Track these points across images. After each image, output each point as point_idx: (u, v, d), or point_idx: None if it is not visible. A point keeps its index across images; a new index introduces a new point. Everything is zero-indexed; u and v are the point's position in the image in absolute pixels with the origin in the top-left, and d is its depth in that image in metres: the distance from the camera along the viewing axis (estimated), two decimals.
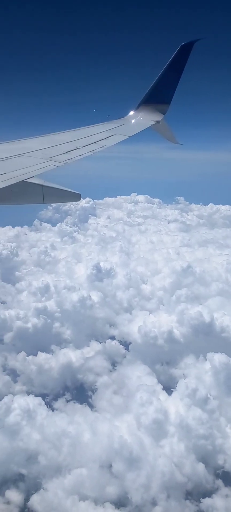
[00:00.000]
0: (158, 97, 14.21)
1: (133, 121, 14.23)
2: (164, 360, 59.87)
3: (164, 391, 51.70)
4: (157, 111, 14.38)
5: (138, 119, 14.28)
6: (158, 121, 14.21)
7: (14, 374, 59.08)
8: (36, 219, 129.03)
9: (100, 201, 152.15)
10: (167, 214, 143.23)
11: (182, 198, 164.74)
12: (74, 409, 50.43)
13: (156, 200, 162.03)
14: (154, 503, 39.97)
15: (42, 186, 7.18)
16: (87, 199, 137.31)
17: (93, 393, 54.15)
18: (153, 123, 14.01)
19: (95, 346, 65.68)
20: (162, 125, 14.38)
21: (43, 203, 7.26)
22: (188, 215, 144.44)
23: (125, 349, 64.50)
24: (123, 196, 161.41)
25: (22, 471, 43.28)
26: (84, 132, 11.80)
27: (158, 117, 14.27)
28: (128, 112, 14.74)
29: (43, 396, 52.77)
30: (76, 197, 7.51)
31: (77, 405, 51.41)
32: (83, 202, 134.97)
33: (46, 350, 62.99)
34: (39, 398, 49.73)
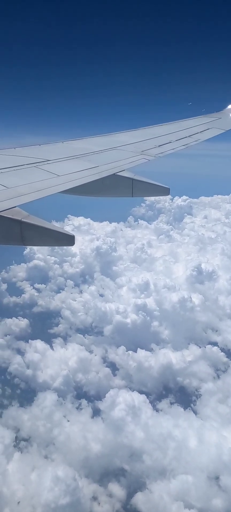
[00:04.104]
0: None
1: None
2: None
3: None
4: None
5: None
6: None
7: (113, 368, 59.71)
8: (130, 216, 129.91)
9: (195, 200, 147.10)
10: None
11: None
12: (178, 412, 49.18)
13: None
14: None
15: (132, 179, 7.13)
16: (184, 197, 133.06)
17: (197, 399, 52.39)
18: None
19: (194, 350, 63.71)
20: None
21: (132, 196, 7.21)
22: None
23: (227, 357, 61.56)
24: (220, 196, 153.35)
25: (125, 467, 43.32)
26: (178, 126, 11.42)
27: None
28: (226, 106, 14.09)
29: (144, 394, 52.35)
30: (165, 191, 7.34)
31: (180, 409, 50.09)
32: (179, 201, 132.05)
33: (145, 347, 62.65)
34: (144, 396, 49.44)
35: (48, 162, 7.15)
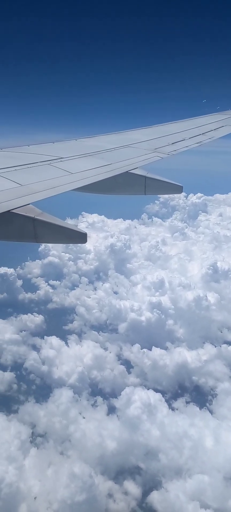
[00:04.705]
0: None
1: None
2: None
3: None
4: None
5: None
6: None
7: (128, 365, 59.54)
8: (144, 213, 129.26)
9: (210, 197, 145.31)
10: None
11: None
12: (194, 411, 48.76)
13: None
14: None
15: (145, 177, 7.15)
16: (198, 194, 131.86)
17: (213, 398, 51.83)
18: None
19: (210, 349, 62.99)
20: None
21: (145, 194, 7.23)
22: None
23: None
24: None
25: (141, 465, 43.16)
26: (192, 123, 11.44)
27: None
28: None
29: (159, 392, 52.03)
30: (178, 189, 7.35)
31: (196, 408, 49.64)
32: (194, 198, 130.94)
33: (160, 345, 62.27)
34: (159, 394, 49.18)
35: (61, 159, 7.17)
